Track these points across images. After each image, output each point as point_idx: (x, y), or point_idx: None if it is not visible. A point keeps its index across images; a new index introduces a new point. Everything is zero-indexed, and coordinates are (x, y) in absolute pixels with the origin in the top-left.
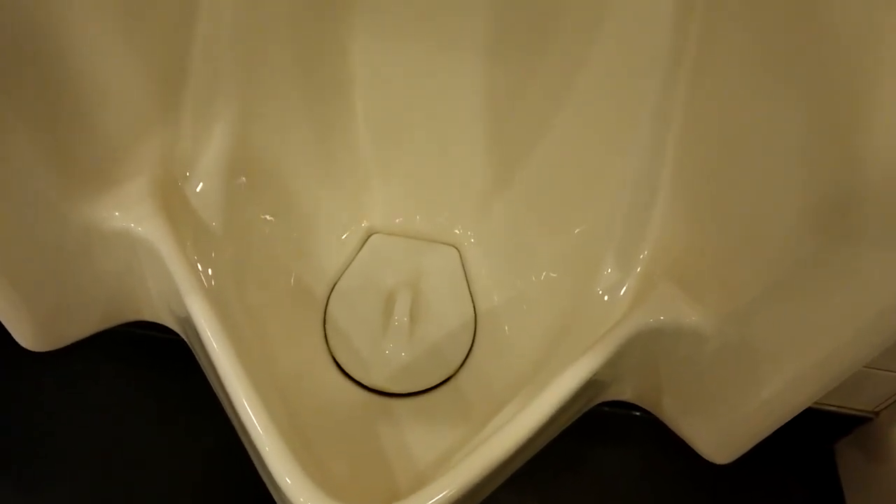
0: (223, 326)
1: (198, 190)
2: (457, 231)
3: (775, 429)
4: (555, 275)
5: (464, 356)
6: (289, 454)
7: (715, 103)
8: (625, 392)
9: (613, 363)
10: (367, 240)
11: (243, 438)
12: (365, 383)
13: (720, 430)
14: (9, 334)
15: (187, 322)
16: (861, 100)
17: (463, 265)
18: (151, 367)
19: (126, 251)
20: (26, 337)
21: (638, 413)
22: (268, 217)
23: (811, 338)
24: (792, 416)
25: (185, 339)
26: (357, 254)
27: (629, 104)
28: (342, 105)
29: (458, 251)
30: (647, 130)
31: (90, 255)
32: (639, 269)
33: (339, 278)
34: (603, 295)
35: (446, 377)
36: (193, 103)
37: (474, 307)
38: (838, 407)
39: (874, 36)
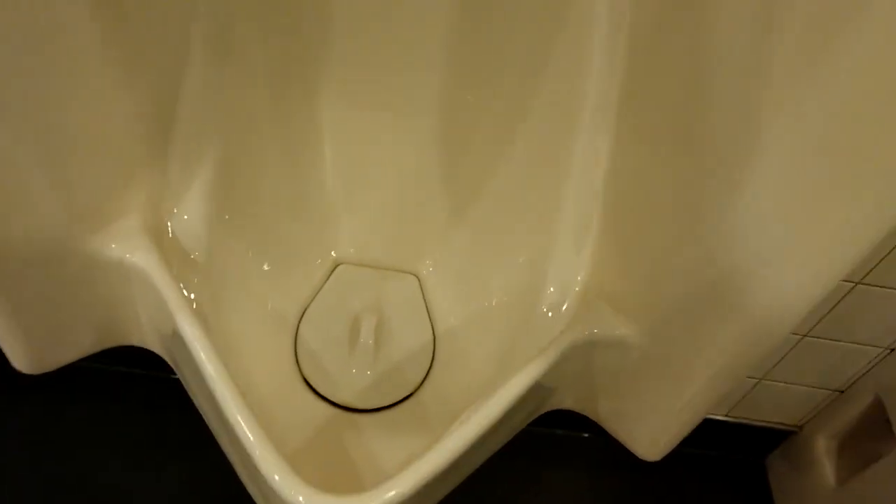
0: (210, 340)
1: (183, 223)
2: (416, 261)
3: (696, 425)
4: (506, 298)
5: (424, 374)
6: (276, 453)
7: (633, 155)
8: (566, 400)
9: (555, 370)
10: (334, 269)
11: (228, 445)
12: (334, 400)
13: (650, 430)
14: None
15: (174, 341)
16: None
17: (422, 292)
18: (114, 401)
19: (120, 279)
20: (21, 360)
21: (587, 435)
22: (245, 249)
23: (715, 346)
24: (708, 413)
25: (170, 361)
26: (325, 282)
27: (562, 152)
28: (313, 152)
29: (418, 279)
30: (578, 174)
31: (86, 284)
32: (577, 289)
33: (308, 304)
34: (547, 312)
35: (408, 394)
36: (180, 149)
37: (433, 330)
38: (766, 422)
39: (751, 116)
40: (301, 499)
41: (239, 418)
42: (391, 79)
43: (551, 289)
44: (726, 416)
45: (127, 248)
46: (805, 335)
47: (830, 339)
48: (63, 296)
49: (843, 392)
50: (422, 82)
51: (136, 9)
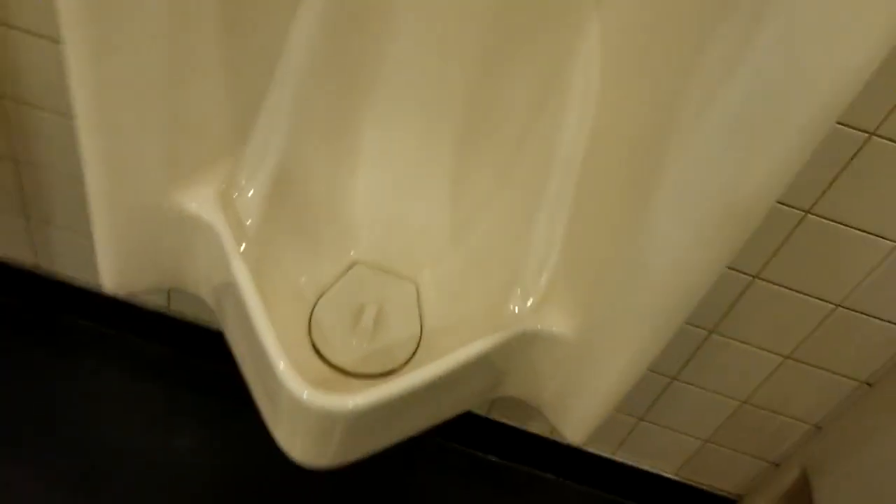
0: (253, 279)
1: (246, 199)
2: (417, 271)
3: (613, 408)
4: (483, 307)
5: (409, 357)
6: (283, 351)
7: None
8: (518, 388)
9: (501, 351)
10: (351, 267)
11: (248, 355)
12: (333, 363)
13: (579, 415)
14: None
15: (222, 287)
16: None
17: (418, 296)
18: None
19: (192, 231)
20: (109, 280)
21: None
22: (285, 233)
23: (630, 342)
24: (622, 397)
25: (212, 303)
26: (342, 276)
27: (536, 202)
28: (350, 168)
29: (416, 286)
30: (546, 218)
31: (168, 232)
32: (541, 291)
33: (326, 290)
34: (513, 308)
35: (393, 368)
36: (255, 144)
37: (421, 326)
38: (712, 487)
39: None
40: (305, 393)
41: (266, 330)
42: (418, 123)
43: (519, 291)
44: (676, 475)
45: (204, 208)
46: (744, 402)
47: (768, 410)
48: (151, 238)
49: (778, 465)
50: (439, 131)
51: (243, 32)
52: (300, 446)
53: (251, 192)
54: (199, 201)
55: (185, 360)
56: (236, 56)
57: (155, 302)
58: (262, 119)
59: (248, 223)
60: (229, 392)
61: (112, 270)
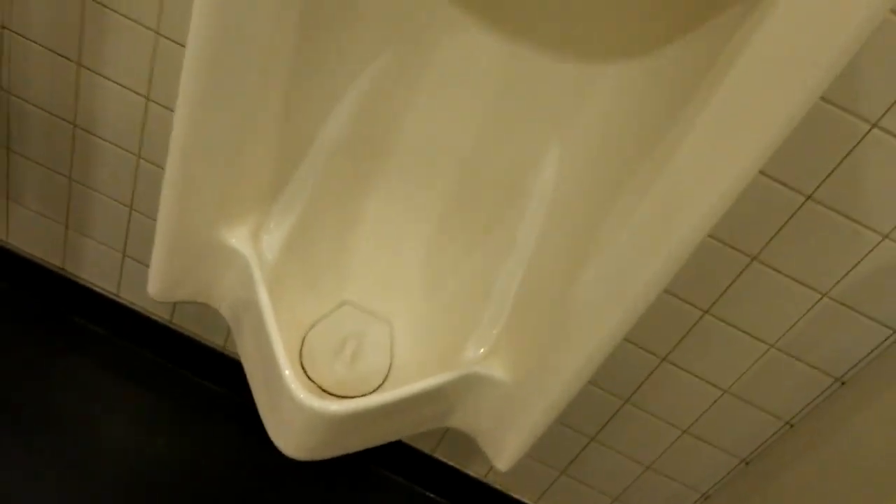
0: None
1: (271, 238)
2: (393, 315)
3: (533, 442)
4: (444, 346)
5: (379, 384)
6: (291, 363)
7: (535, 273)
8: (463, 420)
9: (455, 386)
10: (340, 305)
11: (257, 360)
12: (317, 382)
13: (507, 446)
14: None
15: (243, 305)
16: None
17: (391, 335)
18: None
19: (226, 258)
20: (155, 287)
21: None
22: (294, 272)
23: (555, 382)
24: (540, 435)
25: (230, 317)
26: (333, 312)
27: (494, 266)
28: (355, 230)
29: (391, 326)
30: (501, 282)
31: (208, 255)
32: (491, 343)
33: (318, 322)
34: (467, 354)
35: (364, 393)
36: (286, 194)
37: (391, 361)
38: None
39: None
40: (302, 395)
41: (278, 344)
42: (409, 203)
43: (474, 340)
44: None
45: (240, 242)
46: (685, 431)
47: (702, 441)
48: (195, 260)
49: (707, 497)
50: (425, 211)
51: (296, 116)
52: (291, 440)
53: (275, 235)
54: (237, 237)
55: (180, 371)
56: (286, 133)
57: (160, 314)
58: (292, 183)
59: (268, 258)
60: (215, 404)
61: (159, 280)
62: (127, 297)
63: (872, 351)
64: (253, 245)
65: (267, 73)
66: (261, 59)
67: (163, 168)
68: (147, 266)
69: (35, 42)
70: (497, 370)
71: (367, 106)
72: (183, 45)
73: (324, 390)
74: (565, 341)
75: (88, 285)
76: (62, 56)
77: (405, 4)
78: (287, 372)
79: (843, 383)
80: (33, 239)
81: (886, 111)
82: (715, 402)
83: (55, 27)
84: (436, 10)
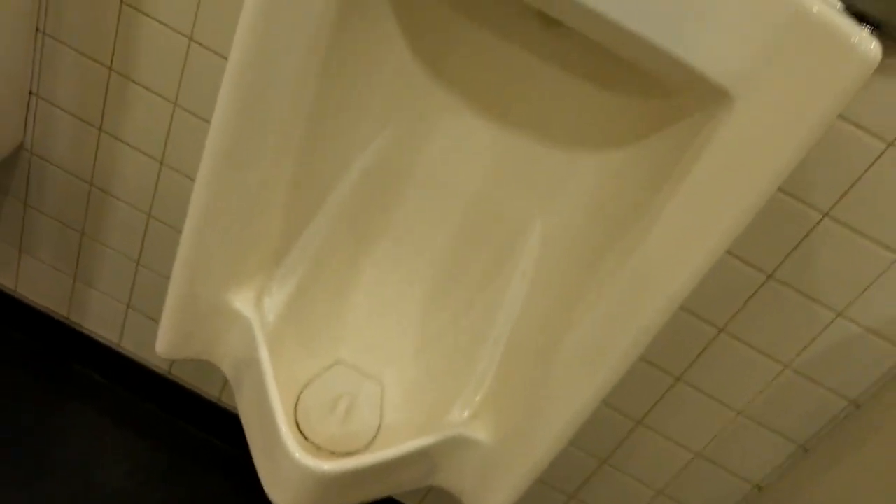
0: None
1: (272, 300)
2: (383, 375)
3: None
4: (431, 408)
5: (368, 442)
6: (288, 421)
7: (517, 344)
8: (447, 479)
9: (441, 447)
10: (333, 364)
11: (256, 416)
12: (310, 438)
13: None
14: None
15: (244, 363)
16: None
17: (381, 394)
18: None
19: (230, 318)
20: (163, 346)
21: None
22: (291, 333)
23: (531, 450)
24: (521, 496)
25: (231, 375)
26: (326, 371)
27: (480, 335)
28: (351, 296)
29: (382, 386)
30: (486, 350)
31: (213, 315)
32: (473, 407)
33: (312, 380)
34: (452, 416)
35: (355, 450)
36: (288, 260)
37: (381, 419)
38: None
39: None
40: (297, 453)
41: (276, 402)
42: (402, 272)
43: (459, 404)
44: None
45: (244, 306)
46: (660, 491)
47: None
48: (201, 321)
49: None
50: (416, 280)
51: (301, 191)
52: (285, 495)
53: (276, 298)
54: (242, 300)
55: (177, 421)
56: (292, 205)
57: (159, 365)
58: (294, 251)
59: (269, 319)
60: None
61: (166, 340)
62: (128, 347)
63: (831, 421)
64: (256, 307)
65: (281, 148)
66: (277, 136)
67: (172, 227)
68: (149, 318)
69: (60, 108)
70: (481, 432)
71: (368, 179)
72: (198, 116)
73: (317, 445)
74: (546, 406)
75: (91, 334)
76: (85, 122)
77: (405, 90)
78: (284, 429)
79: (805, 450)
80: (41, 289)
81: (836, 203)
82: (686, 465)
83: (80, 94)
84: (432, 96)
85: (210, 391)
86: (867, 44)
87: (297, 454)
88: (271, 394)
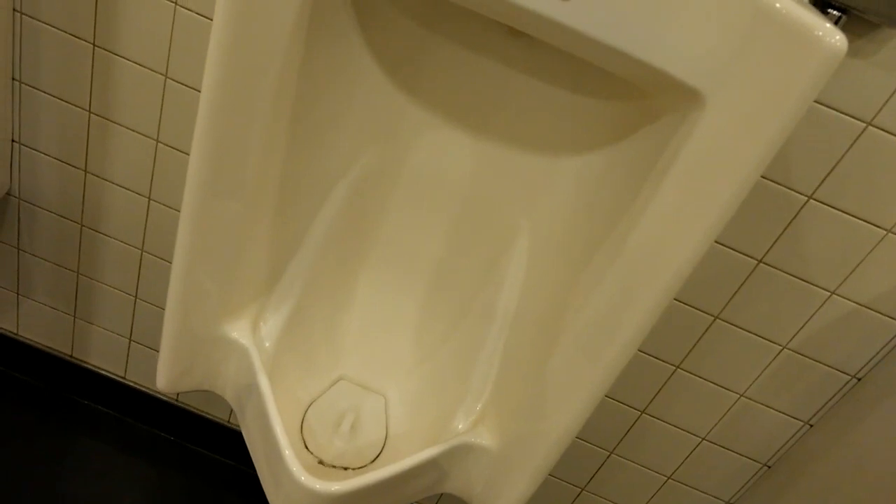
0: (272, 390)
1: (269, 327)
2: (387, 388)
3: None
4: (435, 418)
5: (375, 456)
6: (292, 444)
7: (514, 348)
8: (455, 486)
9: (447, 456)
10: (336, 381)
11: (260, 442)
12: (317, 456)
13: None
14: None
15: (245, 391)
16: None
17: (385, 408)
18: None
19: (229, 348)
20: (163, 381)
21: None
22: (292, 356)
23: (534, 454)
24: (528, 498)
25: (234, 402)
26: (330, 388)
27: (477, 341)
28: (348, 311)
29: (385, 400)
30: (484, 357)
31: (212, 346)
32: (476, 413)
33: (316, 399)
34: (456, 425)
35: (363, 465)
36: (281, 287)
37: (386, 432)
38: None
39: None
40: (303, 477)
41: (278, 427)
42: (397, 285)
43: (461, 413)
44: None
45: (241, 334)
46: (670, 476)
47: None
48: (199, 353)
49: None
50: (411, 291)
51: (285, 220)
52: None
53: (271, 324)
54: (237, 329)
55: (187, 446)
56: (278, 233)
57: (166, 394)
58: (286, 276)
59: (266, 345)
60: (224, 477)
61: (167, 374)
62: (134, 378)
63: (835, 395)
64: (252, 335)
65: (261, 178)
66: (256, 165)
67: (165, 259)
68: (152, 349)
69: (43, 153)
70: (485, 438)
71: (352, 200)
72: (179, 150)
73: (324, 463)
74: (548, 405)
75: (96, 370)
76: (70, 164)
77: (382, 110)
78: (287, 452)
79: (811, 426)
80: (43, 330)
81: (820, 184)
82: (695, 449)
83: (62, 138)
84: (409, 113)
85: (218, 414)
86: (832, 35)
87: (302, 478)
88: (273, 419)
